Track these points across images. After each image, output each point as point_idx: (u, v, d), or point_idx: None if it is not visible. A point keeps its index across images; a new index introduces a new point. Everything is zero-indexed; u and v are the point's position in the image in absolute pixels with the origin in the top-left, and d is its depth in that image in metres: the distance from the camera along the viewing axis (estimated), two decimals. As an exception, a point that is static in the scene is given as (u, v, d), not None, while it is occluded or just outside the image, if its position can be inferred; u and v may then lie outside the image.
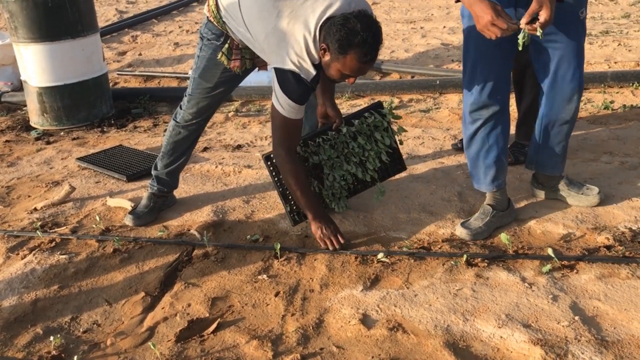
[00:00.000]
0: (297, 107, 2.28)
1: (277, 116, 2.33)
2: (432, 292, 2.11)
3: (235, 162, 3.39)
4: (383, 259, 2.31)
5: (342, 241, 2.39)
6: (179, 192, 3.02)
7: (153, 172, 2.83)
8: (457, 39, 6.03)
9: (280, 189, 2.57)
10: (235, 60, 2.48)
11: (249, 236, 2.57)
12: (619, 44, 5.24)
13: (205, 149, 3.64)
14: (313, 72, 2.22)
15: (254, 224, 2.70)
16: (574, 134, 3.19)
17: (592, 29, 5.88)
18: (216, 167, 3.35)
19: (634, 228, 2.40)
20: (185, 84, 5.10)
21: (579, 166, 2.98)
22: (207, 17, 2.46)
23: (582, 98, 3.98)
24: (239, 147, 3.67)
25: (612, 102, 3.83)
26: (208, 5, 2.45)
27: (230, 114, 4.29)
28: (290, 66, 2.20)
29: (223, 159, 3.46)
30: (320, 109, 2.63)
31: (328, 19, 2.15)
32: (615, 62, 4.75)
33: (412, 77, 4.84)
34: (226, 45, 2.46)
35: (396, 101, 4.25)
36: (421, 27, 6.72)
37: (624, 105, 3.77)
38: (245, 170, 3.28)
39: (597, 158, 3.06)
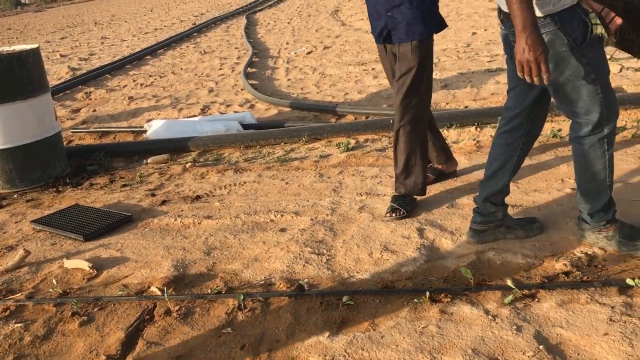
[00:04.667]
0: None
1: None
2: (399, 332, 2.11)
3: (194, 214, 3.36)
4: (348, 302, 2.30)
5: (545, 74, 2.06)
6: (138, 249, 2.97)
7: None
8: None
9: None
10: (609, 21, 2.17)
11: (210, 289, 2.53)
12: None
13: (163, 202, 3.60)
14: None
15: (216, 276, 2.66)
16: (525, 164, 3.29)
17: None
18: (175, 219, 3.31)
19: (589, 253, 2.45)
20: (142, 137, 5.09)
21: (533, 195, 3.05)
22: (556, 16, 2.16)
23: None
24: (197, 197, 3.64)
25: (559, 130, 3.97)
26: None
27: (187, 165, 4.27)
28: None
29: (182, 211, 3.43)
30: None
31: None
32: (559, 92, 4.94)
33: (367, 117, 4.93)
34: (588, 18, 2.17)
35: (352, 142, 4.31)
36: (372, 69, 6.88)
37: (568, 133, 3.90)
38: (205, 221, 3.25)
39: (550, 185, 3.14)
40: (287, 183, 3.70)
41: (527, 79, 2.12)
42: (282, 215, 3.20)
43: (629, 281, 2.15)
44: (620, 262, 2.37)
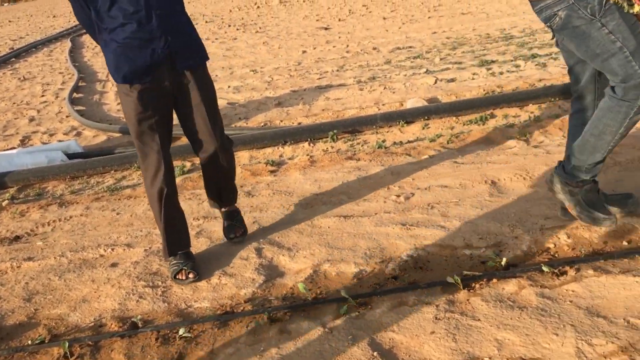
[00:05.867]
0: None
1: None
2: (238, 358, 2.06)
3: (13, 257, 3.05)
4: (185, 334, 2.21)
5: None
6: (-56, 304, 2.62)
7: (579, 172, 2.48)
8: (242, 97, 6.21)
9: None
10: None
11: (32, 340, 2.30)
12: (385, 88, 5.81)
13: (-25, 248, 3.22)
14: None
15: (38, 323, 2.42)
16: (354, 175, 3.42)
17: (361, 76, 6.46)
18: (-11, 266, 2.98)
19: (414, 255, 2.60)
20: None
21: (363, 205, 3.18)
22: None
23: (359, 140, 4.33)
24: (17, 238, 3.31)
25: (384, 141, 4.20)
26: None
27: (4, 203, 3.87)
28: None
29: (-2, 255, 3.10)
30: None
31: None
32: (383, 105, 5.25)
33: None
34: None
35: (188, 164, 4.20)
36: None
37: (394, 142, 4.15)
38: (25, 263, 2.96)
39: (378, 194, 3.30)
40: (118, 214, 3.50)
41: None
42: (112, 249, 3.01)
43: (450, 279, 2.31)
44: (442, 262, 2.54)
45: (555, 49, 6.51)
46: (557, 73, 5.50)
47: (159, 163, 2.58)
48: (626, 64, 2.15)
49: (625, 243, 2.49)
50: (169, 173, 2.62)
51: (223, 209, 3.00)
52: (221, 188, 2.94)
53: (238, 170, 3.96)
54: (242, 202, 3.38)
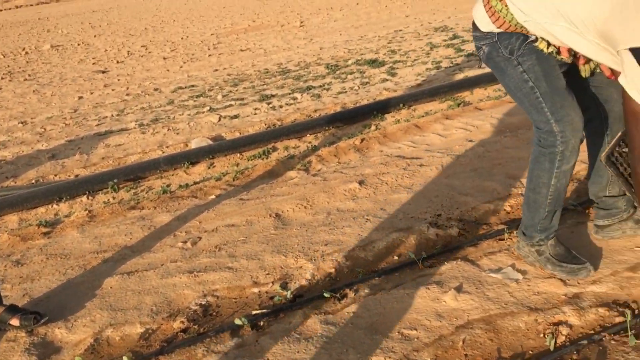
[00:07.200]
0: None
1: (639, 111, 1.88)
2: None
3: None
4: None
5: None
6: None
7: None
8: (10, 152, 5.62)
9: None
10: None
11: None
12: (169, 129, 5.69)
13: None
14: None
15: None
16: (139, 223, 3.22)
17: (144, 119, 6.26)
18: None
19: (203, 303, 2.53)
20: None
21: (147, 257, 3.03)
22: (496, 33, 2.16)
23: (143, 187, 4.16)
24: None
25: (169, 185, 4.08)
26: (494, 14, 2.10)
27: None
28: None
29: None
30: None
31: None
32: (167, 147, 5.13)
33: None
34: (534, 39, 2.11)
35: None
36: (-35, 147, 6.04)
37: (180, 185, 4.05)
38: None
39: (164, 242, 3.17)
40: None
41: None
42: None
43: (237, 321, 2.28)
44: (232, 304, 2.51)
45: (327, 80, 6.98)
46: (329, 102, 5.87)
47: None
48: (537, 106, 2.16)
49: (395, 257, 2.69)
50: None
51: None
52: None
53: (4, 237, 3.54)
54: (9, 274, 3.02)
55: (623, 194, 2.50)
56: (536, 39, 2.09)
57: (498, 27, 2.12)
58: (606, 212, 2.55)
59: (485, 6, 2.13)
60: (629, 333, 1.96)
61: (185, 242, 3.14)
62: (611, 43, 1.86)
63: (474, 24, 2.24)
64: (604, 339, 1.98)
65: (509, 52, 2.15)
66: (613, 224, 2.54)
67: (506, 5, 2.05)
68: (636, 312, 2.10)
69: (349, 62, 7.90)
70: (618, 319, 2.06)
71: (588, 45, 1.95)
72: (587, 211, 2.82)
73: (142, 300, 2.62)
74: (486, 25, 2.16)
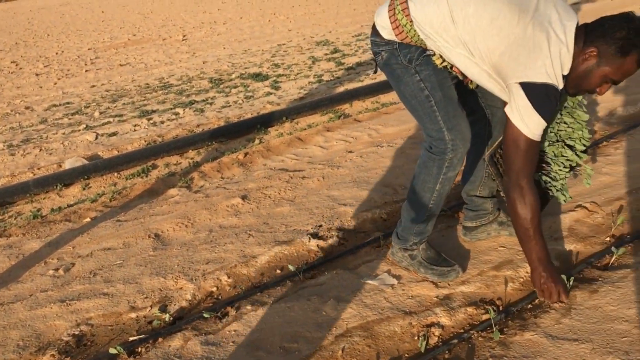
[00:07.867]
0: (543, 127, 2.04)
1: (520, 139, 2.05)
2: None
3: None
4: None
5: (565, 300, 2.23)
6: None
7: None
8: None
9: None
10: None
11: None
12: (41, 150, 5.35)
13: None
14: (561, 84, 2.00)
15: None
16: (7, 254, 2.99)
17: (13, 139, 5.85)
18: None
19: (76, 333, 2.40)
20: None
21: (15, 288, 2.82)
22: (397, 42, 2.20)
23: (11, 213, 3.88)
24: None
25: (39, 209, 3.83)
26: (398, 27, 2.15)
27: None
28: (545, 79, 1.96)
29: None
30: None
31: (586, 24, 2.03)
32: (39, 168, 4.82)
33: None
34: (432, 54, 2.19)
35: None
36: None
37: (52, 209, 3.82)
38: None
39: (33, 272, 2.97)
40: None
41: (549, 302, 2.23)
42: None
43: (112, 350, 2.18)
44: (108, 332, 2.39)
45: (210, 94, 6.90)
46: (213, 117, 5.81)
47: None
48: (431, 114, 2.21)
49: (278, 271, 2.70)
50: None
51: None
52: None
53: None
54: None
55: (492, 196, 2.68)
56: (434, 53, 2.17)
57: (400, 40, 2.18)
58: (474, 214, 2.70)
59: (390, 17, 2.17)
60: (494, 329, 2.09)
61: (56, 269, 2.96)
62: (502, 76, 2.03)
63: (374, 28, 2.27)
64: (472, 336, 2.09)
65: (407, 60, 2.20)
66: (480, 225, 2.70)
67: (411, 22, 2.11)
68: (500, 308, 2.25)
69: (233, 76, 7.87)
70: (485, 316, 2.19)
71: (480, 72, 2.09)
72: (455, 215, 2.98)
73: (7, 335, 2.43)
74: (388, 34, 2.20)
